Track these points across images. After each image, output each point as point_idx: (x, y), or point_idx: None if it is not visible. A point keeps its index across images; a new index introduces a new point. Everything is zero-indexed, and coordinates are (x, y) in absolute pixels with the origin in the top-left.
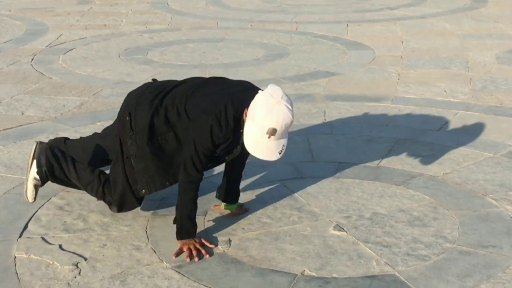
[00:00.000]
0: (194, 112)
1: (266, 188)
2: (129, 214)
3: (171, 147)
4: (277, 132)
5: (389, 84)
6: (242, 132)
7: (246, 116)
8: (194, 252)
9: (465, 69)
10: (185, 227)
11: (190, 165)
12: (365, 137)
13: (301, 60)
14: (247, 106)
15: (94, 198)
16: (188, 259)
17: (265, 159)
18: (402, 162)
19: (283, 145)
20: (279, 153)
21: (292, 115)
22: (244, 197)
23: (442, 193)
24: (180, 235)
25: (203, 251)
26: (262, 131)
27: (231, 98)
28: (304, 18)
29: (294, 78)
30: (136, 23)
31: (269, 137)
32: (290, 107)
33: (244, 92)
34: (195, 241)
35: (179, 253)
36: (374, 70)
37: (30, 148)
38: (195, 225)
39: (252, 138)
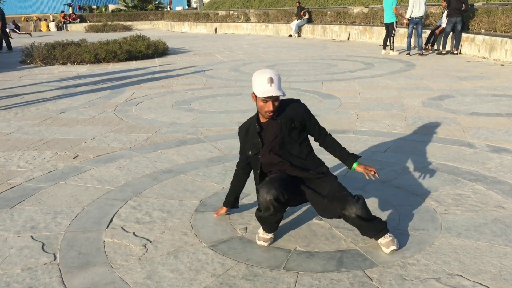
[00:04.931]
0: None
1: None
2: (179, 211)
3: None
4: (274, 79)
5: (351, 121)
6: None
7: (253, 96)
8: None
9: (401, 110)
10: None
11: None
12: None
13: None
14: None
15: (156, 200)
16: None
17: (274, 95)
18: (361, 173)
19: (283, 92)
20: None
21: (277, 73)
22: (255, 198)
23: (388, 194)
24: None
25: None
26: (264, 84)
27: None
28: (294, 79)
29: None
30: (183, 84)
31: (270, 85)
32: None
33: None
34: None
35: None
36: (341, 112)
37: (113, 168)
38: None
39: (262, 91)
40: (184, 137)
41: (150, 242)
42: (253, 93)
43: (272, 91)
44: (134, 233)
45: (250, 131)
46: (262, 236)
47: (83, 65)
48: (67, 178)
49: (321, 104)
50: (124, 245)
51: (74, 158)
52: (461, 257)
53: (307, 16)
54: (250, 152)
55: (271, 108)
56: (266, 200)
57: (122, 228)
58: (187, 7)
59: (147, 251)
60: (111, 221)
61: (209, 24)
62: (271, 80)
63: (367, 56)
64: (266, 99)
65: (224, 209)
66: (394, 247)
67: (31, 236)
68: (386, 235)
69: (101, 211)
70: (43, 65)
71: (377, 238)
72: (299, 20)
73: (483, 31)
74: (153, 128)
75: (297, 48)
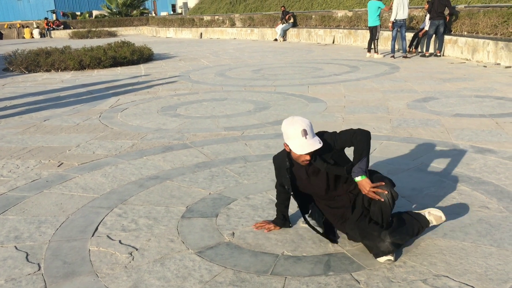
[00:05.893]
0: None
1: (257, 197)
2: (166, 218)
3: None
4: (307, 131)
5: (337, 125)
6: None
7: (286, 146)
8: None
9: (386, 113)
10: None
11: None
12: None
13: (278, 111)
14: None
15: (142, 207)
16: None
17: (314, 149)
18: None
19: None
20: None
21: (307, 120)
22: (241, 203)
23: None
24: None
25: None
26: (299, 137)
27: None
28: (280, 83)
29: (274, 123)
30: (169, 90)
31: (306, 138)
32: (301, 117)
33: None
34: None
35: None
36: (327, 115)
37: (99, 175)
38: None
39: (298, 146)
40: (170, 143)
41: (136, 249)
42: (285, 143)
43: (310, 145)
44: (120, 241)
45: (281, 167)
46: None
47: (67, 72)
48: (52, 186)
49: (307, 108)
50: (109, 253)
51: (59, 166)
52: (447, 258)
53: (292, 20)
54: (286, 187)
55: (308, 158)
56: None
57: (108, 236)
58: (172, 12)
59: (133, 259)
60: (96, 229)
61: (194, 29)
62: (305, 133)
63: (352, 59)
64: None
65: (277, 227)
66: (391, 258)
67: (15, 246)
68: None
69: (86, 220)
70: (27, 72)
71: None
72: (284, 24)
73: (465, 33)
74: (138, 134)
75: (283, 52)
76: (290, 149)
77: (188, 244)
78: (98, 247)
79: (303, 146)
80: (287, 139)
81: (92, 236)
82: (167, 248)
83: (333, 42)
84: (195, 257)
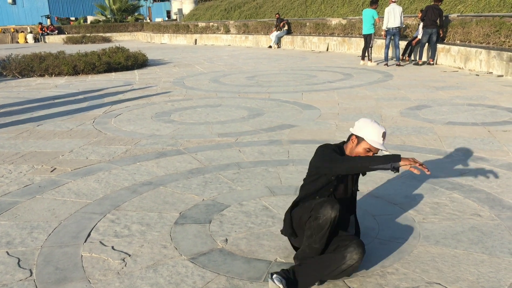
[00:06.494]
0: None
1: (250, 203)
2: (159, 224)
3: None
4: (385, 136)
5: (330, 132)
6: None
7: (354, 138)
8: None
9: (379, 120)
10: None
11: None
12: None
13: (272, 117)
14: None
15: (135, 213)
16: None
17: (385, 151)
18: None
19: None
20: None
21: None
22: (235, 210)
23: (367, 203)
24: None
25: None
26: (379, 136)
27: None
28: (274, 89)
29: (268, 129)
30: (163, 96)
31: (383, 141)
32: None
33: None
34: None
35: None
36: (320, 122)
37: (92, 181)
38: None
39: (375, 142)
40: (163, 148)
41: (129, 255)
42: (356, 136)
43: (383, 147)
44: (112, 247)
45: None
46: None
47: (61, 77)
48: (44, 191)
49: (300, 115)
50: (102, 259)
51: (52, 171)
52: (439, 265)
53: (286, 28)
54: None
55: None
56: (330, 216)
57: (100, 242)
58: (166, 18)
59: (125, 265)
60: (89, 235)
61: (189, 36)
62: (384, 136)
63: (345, 67)
64: (370, 149)
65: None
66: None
67: (7, 252)
68: None
69: (79, 225)
70: (20, 77)
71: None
72: (278, 32)
73: (458, 42)
74: (132, 140)
75: (277, 59)
76: (357, 142)
77: (181, 251)
78: (90, 253)
79: (379, 145)
80: (364, 132)
81: (85, 242)
82: (160, 254)
83: (327, 50)
84: (188, 264)
